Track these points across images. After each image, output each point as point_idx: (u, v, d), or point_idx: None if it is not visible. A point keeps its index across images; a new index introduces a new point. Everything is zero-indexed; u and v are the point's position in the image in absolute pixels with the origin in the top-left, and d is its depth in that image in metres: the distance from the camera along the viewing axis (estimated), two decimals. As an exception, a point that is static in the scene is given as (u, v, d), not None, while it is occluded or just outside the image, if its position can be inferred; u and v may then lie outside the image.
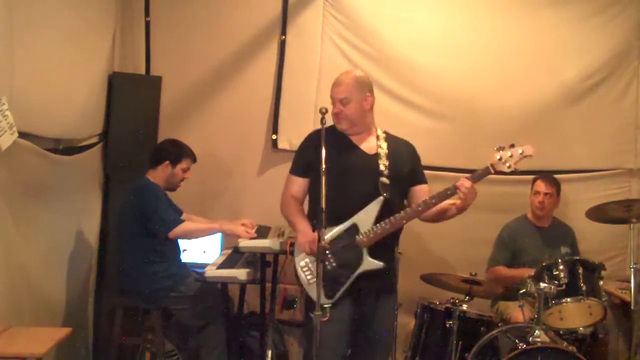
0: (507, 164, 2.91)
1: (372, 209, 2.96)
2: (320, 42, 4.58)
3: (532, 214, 4.26)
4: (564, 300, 3.50)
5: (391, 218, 2.95)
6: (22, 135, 3.04)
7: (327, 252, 2.94)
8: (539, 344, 3.29)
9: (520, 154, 2.91)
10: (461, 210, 3.02)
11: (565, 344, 3.40)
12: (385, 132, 3.19)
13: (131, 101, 4.30)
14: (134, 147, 4.19)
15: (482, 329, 3.65)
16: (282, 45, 4.59)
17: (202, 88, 4.63)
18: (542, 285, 3.39)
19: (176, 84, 4.56)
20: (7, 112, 2.86)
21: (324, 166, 2.75)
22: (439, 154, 4.43)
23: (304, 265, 3.05)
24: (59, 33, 3.48)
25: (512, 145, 2.94)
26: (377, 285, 3.05)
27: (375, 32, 4.54)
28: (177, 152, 3.90)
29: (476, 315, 3.70)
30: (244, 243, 3.62)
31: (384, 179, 3.00)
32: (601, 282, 3.62)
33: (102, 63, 4.18)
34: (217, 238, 4.37)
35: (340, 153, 2.99)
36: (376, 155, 3.07)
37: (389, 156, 3.06)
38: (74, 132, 3.85)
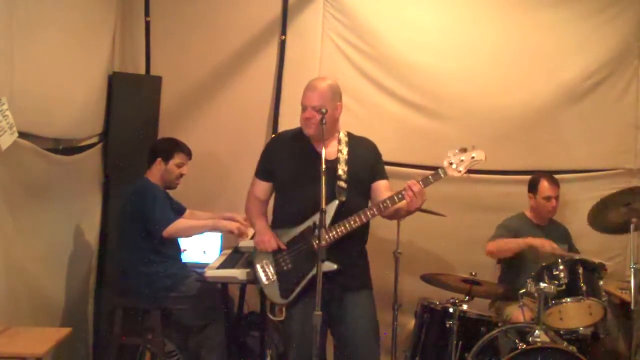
0: (459, 169, 2.94)
1: (328, 212, 3.00)
2: (320, 42, 4.58)
3: (536, 214, 4.24)
4: (564, 300, 3.50)
5: (345, 222, 3.00)
6: (22, 135, 3.04)
7: (284, 253, 3.09)
8: (539, 344, 3.29)
9: (472, 158, 2.94)
10: (409, 212, 3.06)
11: (565, 344, 3.40)
12: (347, 134, 3.25)
13: (131, 101, 4.30)
14: (134, 147, 4.19)
15: (482, 329, 3.64)
16: (282, 45, 4.59)
17: (202, 88, 4.63)
18: (542, 285, 3.39)
19: (176, 84, 4.56)
20: (7, 112, 2.86)
21: (324, 166, 2.81)
22: (438, 153, 4.38)
23: (261, 267, 3.15)
24: (59, 33, 3.48)
25: (464, 150, 2.96)
26: (341, 285, 3.06)
27: (375, 32, 4.55)
28: (168, 147, 3.89)
29: (476, 315, 3.70)
30: (244, 243, 3.63)
31: (341, 183, 3.07)
32: (601, 282, 3.62)
33: (102, 63, 4.19)
34: (217, 238, 4.38)
35: (301, 158, 3.07)
36: (335, 160, 3.13)
37: (348, 161, 3.13)
38: (73, 132, 3.85)
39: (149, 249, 3.70)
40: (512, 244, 4.04)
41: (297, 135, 3.21)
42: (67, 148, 3.76)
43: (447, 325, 3.59)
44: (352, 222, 2.99)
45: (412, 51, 4.55)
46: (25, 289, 3.32)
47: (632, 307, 3.59)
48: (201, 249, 4.37)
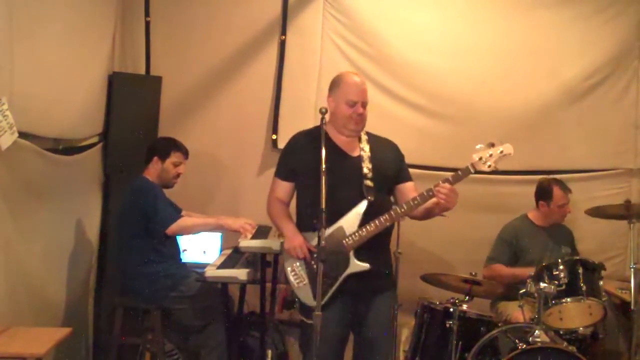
0: (488, 164, 2.92)
1: (357, 212, 2.99)
2: (320, 42, 4.58)
3: (544, 218, 4.21)
4: (564, 300, 3.51)
5: (375, 221, 2.97)
6: (22, 135, 3.04)
7: (314, 255, 3.00)
8: (539, 344, 3.29)
9: (500, 153, 2.91)
10: (444, 210, 3.03)
11: (565, 344, 3.40)
12: (367, 134, 3.22)
13: (131, 101, 4.30)
14: (134, 147, 4.19)
15: (482, 329, 3.64)
16: (282, 45, 4.59)
17: (202, 88, 4.63)
18: (542, 285, 3.39)
19: (176, 84, 4.56)
20: (7, 112, 2.86)
21: (323, 166, 2.78)
22: (438, 154, 4.43)
23: (292, 270, 3.09)
24: (59, 33, 3.48)
25: (492, 145, 2.93)
26: (371, 286, 3.06)
27: (375, 32, 4.55)
28: (164, 146, 3.89)
29: (476, 315, 3.70)
30: (244, 243, 3.62)
31: (368, 182, 3.03)
32: (601, 282, 3.63)
33: (102, 63, 4.19)
34: (217, 238, 4.38)
35: (325, 156, 2.98)
36: (359, 158, 3.10)
37: (371, 159, 3.10)
38: (73, 132, 3.85)
39: (149, 248, 3.70)
40: (505, 276, 4.02)
41: (315, 133, 3.12)
42: (67, 148, 3.76)
43: (447, 325, 3.59)
44: (382, 221, 2.96)
45: (412, 51, 4.55)
46: (25, 289, 3.32)
47: (632, 307, 3.60)
48: (201, 249, 4.37)
